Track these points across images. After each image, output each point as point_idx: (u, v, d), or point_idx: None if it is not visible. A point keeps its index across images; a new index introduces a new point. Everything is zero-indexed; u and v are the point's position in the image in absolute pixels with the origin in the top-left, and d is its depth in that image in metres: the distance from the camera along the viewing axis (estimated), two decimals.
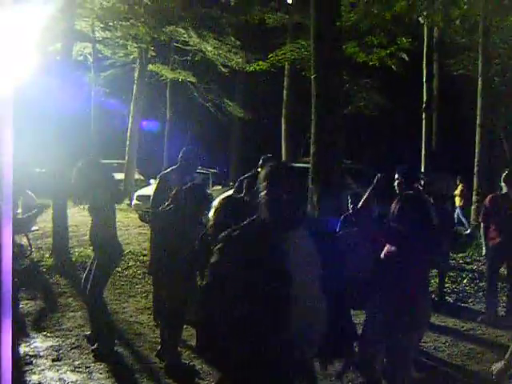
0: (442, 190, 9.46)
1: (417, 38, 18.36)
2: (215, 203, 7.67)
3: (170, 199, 6.79)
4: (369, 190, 5.73)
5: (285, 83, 25.44)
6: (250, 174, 10.06)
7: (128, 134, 24.78)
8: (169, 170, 8.29)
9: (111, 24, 19.92)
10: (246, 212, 3.60)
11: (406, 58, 18.58)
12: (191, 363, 6.61)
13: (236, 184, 10.03)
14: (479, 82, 17.29)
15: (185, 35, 22.54)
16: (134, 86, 24.66)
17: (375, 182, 5.89)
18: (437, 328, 8.21)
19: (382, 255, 5.32)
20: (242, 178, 10.08)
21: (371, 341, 5.41)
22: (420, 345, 7.07)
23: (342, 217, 9.55)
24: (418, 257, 5.09)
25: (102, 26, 20.48)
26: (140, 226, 16.63)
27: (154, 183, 17.55)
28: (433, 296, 9.63)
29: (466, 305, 9.81)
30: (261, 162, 9.91)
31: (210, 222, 6.49)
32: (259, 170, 9.94)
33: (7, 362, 2.87)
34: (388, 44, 17.59)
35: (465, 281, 11.25)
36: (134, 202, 18.36)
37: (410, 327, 5.00)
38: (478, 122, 17.31)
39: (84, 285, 6.96)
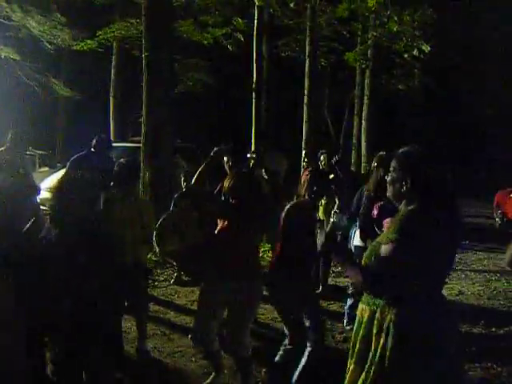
0: (274, 167, 9.61)
1: (248, 19, 18.61)
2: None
3: None
4: (202, 167, 5.65)
5: (113, 62, 24.94)
6: (82, 154, 9.84)
7: None
8: None
9: None
10: None
11: (242, 39, 18.80)
12: None
13: (68, 164, 9.81)
14: (306, 63, 17.83)
15: (8, 9, 21.46)
16: None
17: (209, 159, 5.80)
18: None
19: (216, 231, 5.39)
20: (73, 158, 9.84)
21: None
22: (258, 317, 7.24)
23: (176, 195, 9.56)
24: (250, 229, 5.30)
25: None
26: None
27: None
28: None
29: None
30: (94, 142, 9.75)
31: None
32: (92, 150, 9.75)
33: None
34: (223, 24, 17.79)
35: None
36: None
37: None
38: (305, 101, 17.86)
39: None
